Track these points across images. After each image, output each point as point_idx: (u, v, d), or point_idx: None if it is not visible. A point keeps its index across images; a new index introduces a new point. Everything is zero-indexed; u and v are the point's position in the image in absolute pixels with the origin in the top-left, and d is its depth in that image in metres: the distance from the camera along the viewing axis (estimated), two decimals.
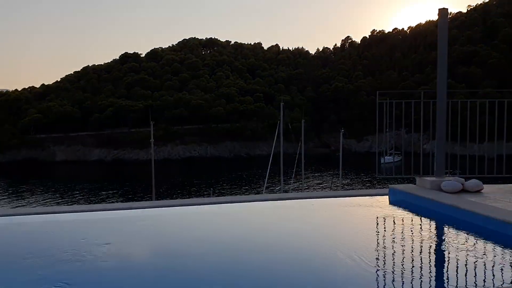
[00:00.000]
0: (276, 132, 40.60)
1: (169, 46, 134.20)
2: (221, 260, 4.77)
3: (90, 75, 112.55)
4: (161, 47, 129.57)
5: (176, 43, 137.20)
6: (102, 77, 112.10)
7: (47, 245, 5.39)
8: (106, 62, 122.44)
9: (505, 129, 7.46)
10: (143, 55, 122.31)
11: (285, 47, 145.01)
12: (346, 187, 54.73)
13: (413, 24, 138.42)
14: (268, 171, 37.69)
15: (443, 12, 6.99)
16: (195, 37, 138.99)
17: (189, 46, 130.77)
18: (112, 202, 48.44)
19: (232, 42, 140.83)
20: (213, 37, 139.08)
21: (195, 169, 79.31)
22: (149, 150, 51.06)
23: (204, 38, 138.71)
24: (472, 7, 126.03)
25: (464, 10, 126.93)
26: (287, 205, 7.52)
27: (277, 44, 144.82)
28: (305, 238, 5.57)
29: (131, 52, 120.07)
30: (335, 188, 50.89)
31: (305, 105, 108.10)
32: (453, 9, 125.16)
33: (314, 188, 56.26)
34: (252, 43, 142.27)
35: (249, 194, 53.37)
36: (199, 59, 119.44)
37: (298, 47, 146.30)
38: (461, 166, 7.33)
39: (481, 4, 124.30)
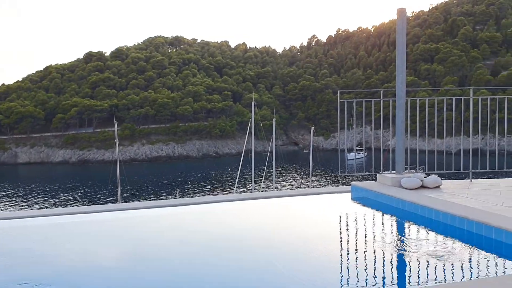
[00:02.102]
0: (248, 130, 40.64)
1: (134, 44, 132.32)
2: (190, 262, 4.72)
3: (53, 74, 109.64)
4: (126, 46, 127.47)
5: (142, 41, 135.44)
6: (65, 77, 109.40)
7: (9, 249, 5.21)
8: (69, 61, 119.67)
9: (462, 125, 7.66)
10: (107, 54, 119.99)
11: (252, 46, 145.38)
12: (315, 184, 55.28)
13: (377, 23, 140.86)
14: (239, 170, 37.62)
15: (401, 12, 7.11)
16: (160, 35, 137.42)
17: (154, 44, 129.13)
18: (77, 205, 47.41)
19: (199, 40, 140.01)
20: (179, 35, 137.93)
21: (162, 169, 78.47)
22: (114, 150, 50.19)
23: (170, 36, 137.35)
24: (433, 6, 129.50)
25: (426, 9, 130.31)
26: (258, 205, 7.50)
27: (244, 43, 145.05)
28: (269, 236, 5.57)
29: (96, 51, 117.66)
30: (304, 186, 51.35)
31: (273, 103, 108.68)
32: (415, 8, 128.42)
33: (284, 187, 56.55)
34: (219, 41, 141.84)
35: (219, 194, 53.19)
36: (165, 57, 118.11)
37: (265, 46, 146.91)
38: (424, 162, 7.49)
39: (442, 3, 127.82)
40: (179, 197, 44.89)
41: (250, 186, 42.32)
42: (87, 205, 44.35)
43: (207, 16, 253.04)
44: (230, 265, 4.65)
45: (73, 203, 49.21)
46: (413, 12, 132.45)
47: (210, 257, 4.88)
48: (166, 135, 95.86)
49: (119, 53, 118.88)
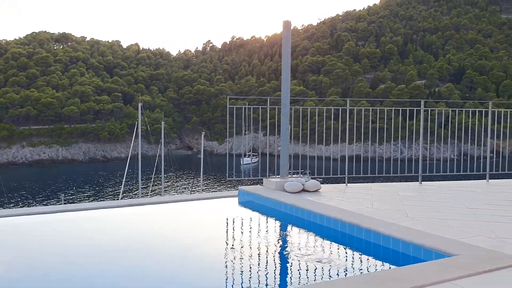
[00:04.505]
0: (134, 133, 39.39)
1: (15, 38, 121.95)
2: (70, 270, 4.47)
3: None
4: (5, 40, 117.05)
5: (24, 36, 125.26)
6: None
7: None
8: None
9: (339, 133, 8.22)
10: None
11: (145, 47, 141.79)
12: (206, 189, 55.35)
13: (270, 34, 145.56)
14: (125, 175, 36.26)
15: (286, 24, 7.46)
16: (46, 31, 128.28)
17: (38, 40, 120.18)
18: None
19: (88, 38, 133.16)
20: (66, 32, 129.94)
21: (45, 173, 73.20)
22: None
23: (56, 33, 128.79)
24: (321, 20, 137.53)
25: (315, 23, 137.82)
26: (143, 211, 7.32)
27: (136, 43, 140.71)
28: (152, 243, 5.49)
29: None
30: (195, 190, 51.16)
31: (167, 107, 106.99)
32: (305, 22, 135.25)
33: (174, 192, 55.84)
34: (110, 41, 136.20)
35: (105, 200, 50.92)
36: (50, 54, 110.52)
37: (159, 48, 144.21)
38: (310, 167, 7.89)
39: (329, 18, 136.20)
40: (63, 203, 42.19)
41: (137, 192, 41.10)
42: None
43: (98, 14, 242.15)
44: (108, 273, 4.50)
45: None
46: (302, 25, 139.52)
47: (90, 265, 4.69)
48: (50, 137, 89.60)
49: None
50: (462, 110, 9.56)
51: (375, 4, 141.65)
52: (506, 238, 4.68)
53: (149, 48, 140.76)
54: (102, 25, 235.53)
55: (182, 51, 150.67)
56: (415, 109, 8.61)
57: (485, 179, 8.81)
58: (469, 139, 9.21)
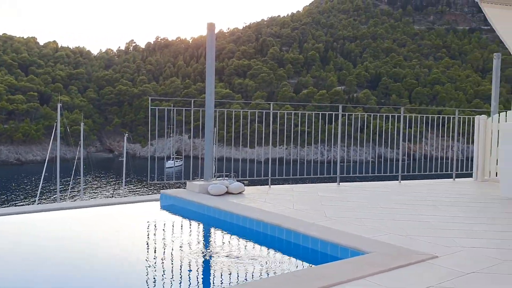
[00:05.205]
0: (53, 135, 37.48)
1: None
2: None
3: None
4: None
5: None
6: None
7: None
8: None
9: (263, 135, 8.37)
10: None
11: (64, 45, 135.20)
12: (129, 193, 53.77)
13: (196, 35, 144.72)
14: (42, 179, 34.32)
15: (210, 26, 7.48)
16: None
17: None
18: None
19: (0, 34, 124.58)
20: None
21: None
22: None
23: None
24: (247, 25, 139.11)
25: (240, 27, 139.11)
26: (60, 216, 6.97)
27: (54, 41, 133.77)
28: (66, 250, 5.24)
29: None
30: (117, 195, 49.54)
31: (86, 107, 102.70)
32: (231, 25, 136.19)
33: (94, 196, 53.67)
34: (25, 37, 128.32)
35: (19, 205, 47.83)
36: None
37: (78, 46, 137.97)
38: (236, 170, 7.93)
39: (254, 22, 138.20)
40: None
41: (55, 196, 39.13)
42: None
43: (11, 8, 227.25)
44: (20, 282, 4.26)
45: None
46: (228, 28, 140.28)
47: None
48: None
49: None
50: (377, 115, 10.11)
51: (298, 11, 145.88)
52: (415, 235, 5.01)
53: (68, 46, 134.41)
54: (16, 20, 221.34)
55: (103, 50, 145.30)
56: (333, 113, 8.99)
57: (398, 180, 9.37)
58: (383, 142, 9.77)
